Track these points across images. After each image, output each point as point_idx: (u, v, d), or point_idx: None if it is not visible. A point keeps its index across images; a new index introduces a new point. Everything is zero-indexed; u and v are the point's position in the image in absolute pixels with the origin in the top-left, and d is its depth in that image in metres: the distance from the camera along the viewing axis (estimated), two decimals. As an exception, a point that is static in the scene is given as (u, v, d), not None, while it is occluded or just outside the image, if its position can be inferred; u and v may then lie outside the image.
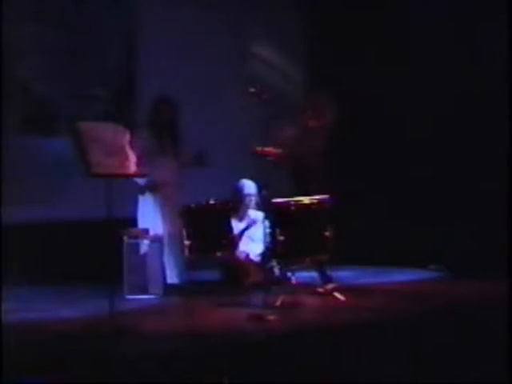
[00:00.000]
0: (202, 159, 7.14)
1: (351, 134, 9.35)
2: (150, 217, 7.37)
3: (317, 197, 6.84)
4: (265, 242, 6.57)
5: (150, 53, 8.78)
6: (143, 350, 5.10)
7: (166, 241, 7.32)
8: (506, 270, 7.33)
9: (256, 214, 7.70)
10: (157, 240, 7.29)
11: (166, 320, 6.19)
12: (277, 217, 6.68)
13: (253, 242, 7.64)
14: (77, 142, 5.73)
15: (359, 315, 6.10)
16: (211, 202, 7.39)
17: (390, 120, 9.15)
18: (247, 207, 7.81)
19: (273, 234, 6.68)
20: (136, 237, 7.36)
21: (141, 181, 7.22)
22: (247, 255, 7.64)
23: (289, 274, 6.89)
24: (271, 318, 5.85)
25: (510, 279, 6.85)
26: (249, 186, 7.81)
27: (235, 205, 7.72)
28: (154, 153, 7.13)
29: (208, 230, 7.15)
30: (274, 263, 7.24)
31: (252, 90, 6.27)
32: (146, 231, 7.36)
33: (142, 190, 7.32)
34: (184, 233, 6.79)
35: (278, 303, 6.36)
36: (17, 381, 4.56)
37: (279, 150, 6.91)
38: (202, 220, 6.93)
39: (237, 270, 7.56)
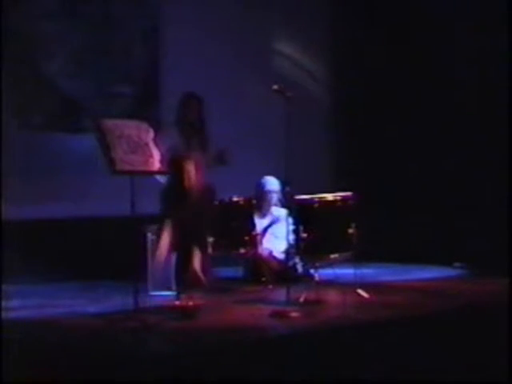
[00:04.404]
0: (223, 158, 7.00)
1: (375, 131, 9.35)
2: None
3: (340, 194, 6.84)
4: (288, 238, 6.57)
5: (174, 50, 8.79)
6: (167, 347, 5.12)
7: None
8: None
9: (279, 211, 7.70)
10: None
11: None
12: (300, 214, 6.68)
13: (276, 239, 7.63)
14: (101, 139, 5.77)
15: (382, 313, 6.08)
16: (234, 198, 7.43)
17: (413, 116, 9.12)
18: (270, 204, 7.80)
19: (296, 231, 6.69)
20: (160, 233, 7.38)
21: (161, 179, 7.22)
22: (270, 252, 7.64)
23: (312, 270, 6.88)
24: (294, 314, 5.86)
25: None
26: (272, 183, 7.80)
27: (258, 202, 7.72)
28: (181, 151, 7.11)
29: (231, 226, 7.20)
30: (297, 260, 7.26)
31: (275, 87, 6.26)
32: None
33: None
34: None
35: (302, 300, 6.36)
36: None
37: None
38: (225, 217, 6.95)
39: (260, 267, 7.58)
